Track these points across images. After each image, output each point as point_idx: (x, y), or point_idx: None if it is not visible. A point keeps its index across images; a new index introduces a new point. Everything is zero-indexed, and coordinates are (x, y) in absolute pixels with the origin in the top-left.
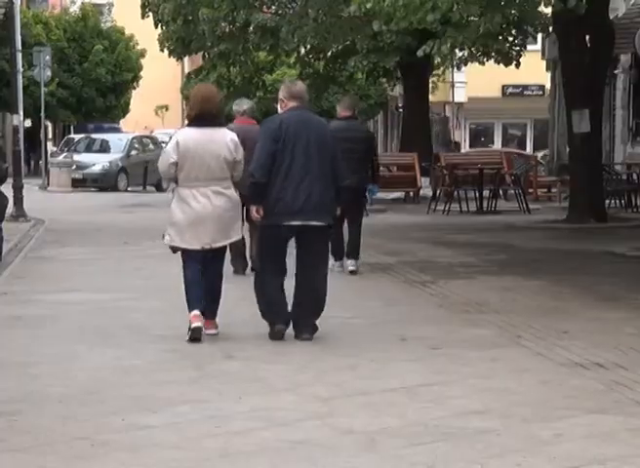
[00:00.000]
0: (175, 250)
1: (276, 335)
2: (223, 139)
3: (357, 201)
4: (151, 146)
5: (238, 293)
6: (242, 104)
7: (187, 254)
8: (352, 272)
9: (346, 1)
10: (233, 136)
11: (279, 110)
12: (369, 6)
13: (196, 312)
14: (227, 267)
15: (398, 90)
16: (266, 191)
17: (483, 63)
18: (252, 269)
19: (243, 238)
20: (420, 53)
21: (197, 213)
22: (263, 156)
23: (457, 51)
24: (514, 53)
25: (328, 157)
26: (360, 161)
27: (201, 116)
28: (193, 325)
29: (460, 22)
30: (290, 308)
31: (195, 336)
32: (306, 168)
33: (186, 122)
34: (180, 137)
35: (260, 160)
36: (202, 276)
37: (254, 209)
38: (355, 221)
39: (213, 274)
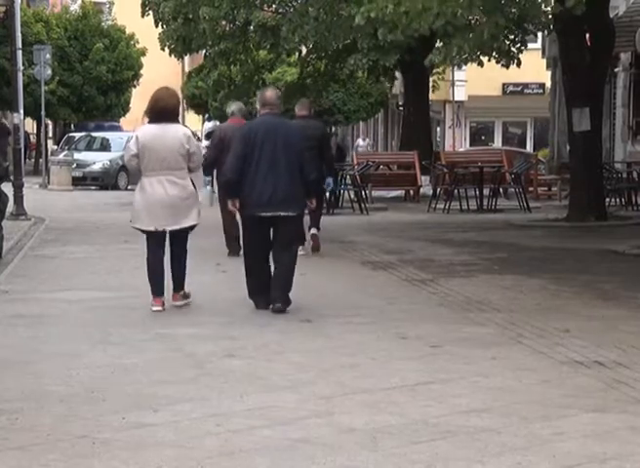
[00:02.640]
0: (140, 230)
1: (259, 307)
2: (177, 134)
3: (315, 192)
4: None
5: (240, 293)
6: (230, 106)
7: (148, 237)
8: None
9: (347, 0)
10: (186, 130)
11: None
12: (373, 15)
13: (157, 298)
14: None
15: (399, 88)
16: (239, 187)
17: (482, 65)
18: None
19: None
20: (427, 63)
21: (153, 198)
22: (234, 158)
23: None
24: (514, 51)
25: (294, 155)
26: (316, 156)
27: (155, 114)
28: (154, 308)
29: (462, 26)
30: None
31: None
32: (272, 166)
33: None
34: (139, 133)
35: (231, 162)
36: (163, 258)
37: (230, 202)
38: (313, 210)
39: (176, 255)
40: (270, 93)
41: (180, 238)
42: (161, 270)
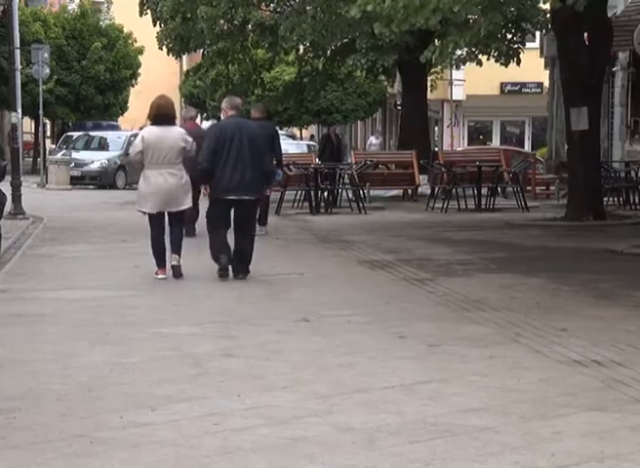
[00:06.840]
0: (142, 213)
1: (222, 274)
2: (176, 135)
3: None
4: None
5: (236, 293)
6: (189, 112)
7: (151, 218)
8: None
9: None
10: (183, 131)
11: (222, 117)
12: (369, 8)
13: (161, 269)
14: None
15: (397, 87)
16: (211, 175)
17: (480, 64)
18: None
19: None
20: (422, 58)
21: (155, 187)
22: (207, 151)
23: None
24: (512, 51)
25: (256, 150)
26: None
27: (157, 118)
28: (159, 276)
29: (460, 23)
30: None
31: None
32: (238, 159)
33: (149, 122)
34: (144, 133)
35: (205, 154)
36: (164, 235)
37: (202, 188)
38: (264, 199)
39: (174, 230)
40: (238, 99)
41: (177, 217)
42: (163, 245)
